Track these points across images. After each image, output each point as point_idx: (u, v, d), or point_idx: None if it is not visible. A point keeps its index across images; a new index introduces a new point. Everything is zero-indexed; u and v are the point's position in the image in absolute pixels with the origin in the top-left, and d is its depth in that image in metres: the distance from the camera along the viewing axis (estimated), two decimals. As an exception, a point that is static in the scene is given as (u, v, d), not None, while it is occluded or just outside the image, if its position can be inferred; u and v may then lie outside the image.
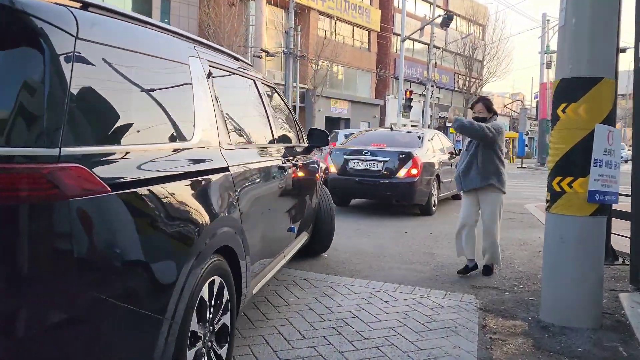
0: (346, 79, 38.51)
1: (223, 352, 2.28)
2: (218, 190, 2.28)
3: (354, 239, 6.16)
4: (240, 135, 2.91)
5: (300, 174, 3.92)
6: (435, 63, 33.09)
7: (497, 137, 4.41)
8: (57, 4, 1.59)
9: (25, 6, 1.44)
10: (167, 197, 1.83)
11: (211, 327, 2.19)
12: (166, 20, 35.61)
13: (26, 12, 1.44)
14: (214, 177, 2.27)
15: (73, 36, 1.55)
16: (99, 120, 1.63)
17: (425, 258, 5.26)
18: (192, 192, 2.04)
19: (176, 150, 2.04)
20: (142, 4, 33.11)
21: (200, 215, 2.04)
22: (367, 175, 8.02)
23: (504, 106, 52.65)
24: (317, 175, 4.62)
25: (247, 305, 2.87)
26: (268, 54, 28.21)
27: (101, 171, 1.53)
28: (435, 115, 32.16)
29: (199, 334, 2.04)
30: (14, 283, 1.34)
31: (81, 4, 1.75)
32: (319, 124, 35.76)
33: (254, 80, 3.38)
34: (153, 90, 1.97)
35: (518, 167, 30.37)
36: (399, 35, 27.86)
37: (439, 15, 26.90)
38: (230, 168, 2.44)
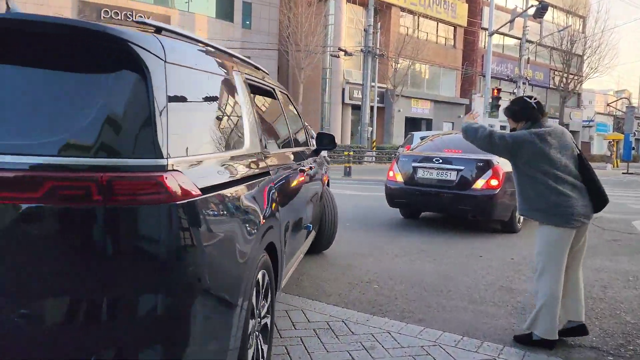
0: (429, 78, 36.86)
1: (265, 347, 2.49)
2: (265, 192, 2.51)
3: (415, 263, 5.24)
4: (271, 142, 3.12)
5: (311, 175, 4.11)
6: (528, 59, 30.63)
7: (506, 149, 3.15)
8: (142, 30, 1.85)
9: (129, 37, 1.66)
10: (236, 199, 2.10)
11: (259, 319, 2.38)
12: (247, 22, 36.21)
13: (129, 41, 1.65)
14: (262, 180, 2.51)
15: (163, 60, 1.75)
16: (187, 133, 1.86)
17: (501, 295, 4.24)
18: (251, 194, 2.29)
19: (235, 157, 2.27)
20: (224, 7, 33.82)
21: (257, 214, 2.29)
22: (438, 186, 7.03)
23: (608, 104, 47.98)
24: (324, 176, 4.88)
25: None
26: (346, 53, 27.55)
27: (194, 177, 1.74)
28: (526, 115, 29.73)
29: (251, 325, 2.21)
30: (137, 271, 1.57)
31: (154, 29, 1.96)
32: (399, 125, 34.51)
33: (273, 89, 3.56)
34: (216, 103, 2.26)
35: (623, 173, 27.22)
36: (487, 29, 25.98)
37: (532, 6, 24.73)
38: (270, 172, 2.68)
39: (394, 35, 32.02)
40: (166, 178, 1.60)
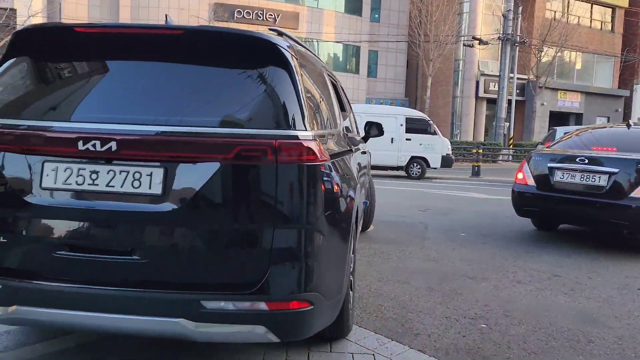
0: (579, 67, 32.70)
1: (352, 293, 3.07)
2: (351, 163, 3.16)
3: (544, 294, 4.00)
4: (346, 126, 3.76)
5: (366, 159, 4.79)
6: None
7: None
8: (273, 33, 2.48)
9: (276, 41, 2.28)
10: (344, 165, 2.76)
11: (351, 268, 3.01)
12: (376, 15, 35.39)
13: (277, 44, 2.27)
14: (350, 154, 3.17)
15: (296, 58, 2.35)
16: (313, 113, 2.40)
17: (672, 358, 2.90)
18: (348, 163, 2.96)
19: (335, 135, 2.87)
20: (353, 1, 33.38)
21: (354, 179, 3.02)
22: (582, 193, 5.53)
23: None
24: (369, 160, 5.47)
25: None
26: (481, 41, 25.36)
27: (325, 146, 2.37)
28: None
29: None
30: (296, 209, 2.11)
31: (277, 33, 2.54)
32: (541, 120, 31.10)
33: (336, 82, 4.00)
34: (321, 92, 2.87)
35: None
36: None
37: None
38: (352, 149, 3.37)
39: (537, 21, 28.87)
40: (313, 145, 2.15)
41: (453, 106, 32.74)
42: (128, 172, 2.06)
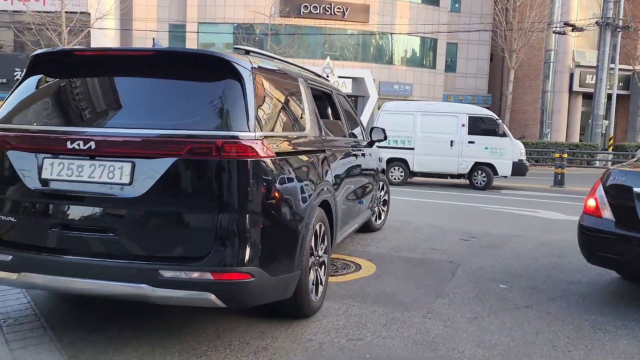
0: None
1: (324, 268, 3.57)
2: (320, 163, 3.55)
3: None
4: (328, 130, 4.13)
5: (365, 162, 5.14)
6: None
7: None
8: (239, 52, 3.08)
9: (231, 59, 2.80)
10: (299, 162, 3.17)
11: (318, 258, 3.40)
12: (456, 5, 32.60)
13: (231, 61, 2.79)
14: (318, 155, 3.55)
15: (251, 71, 2.84)
16: (267, 117, 2.89)
17: None
18: (309, 162, 3.34)
19: (299, 137, 3.35)
20: (430, -9, 30.94)
21: (316, 176, 3.38)
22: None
23: None
24: (377, 165, 5.85)
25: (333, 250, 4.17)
26: (574, 28, 22.04)
27: (271, 145, 2.78)
28: None
29: (311, 259, 3.25)
30: (235, 199, 2.58)
31: (245, 52, 3.15)
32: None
33: (332, 92, 4.76)
34: (286, 99, 3.37)
35: None
36: None
37: None
38: (325, 151, 3.73)
39: (646, 2, 24.77)
40: (254, 144, 2.62)
41: (543, 102, 29.29)
42: (105, 165, 2.61)
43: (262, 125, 2.76)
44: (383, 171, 6.30)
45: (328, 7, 28.62)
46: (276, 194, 2.75)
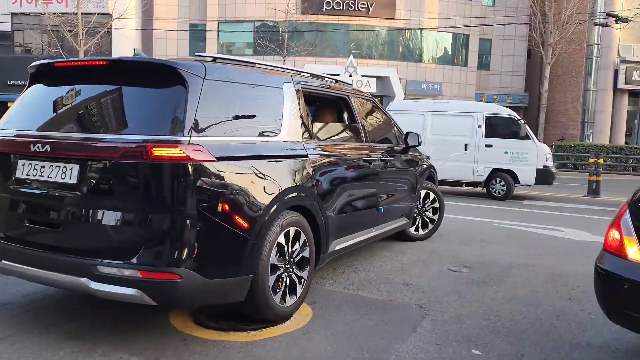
0: None
1: (304, 274, 3.51)
2: (295, 168, 3.46)
3: None
4: (327, 135, 4.29)
5: (394, 167, 5.08)
6: None
7: None
8: (197, 60, 3.11)
9: (177, 65, 2.87)
10: (256, 166, 3.11)
11: (291, 260, 3.39)
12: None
13: (177, 68, 2.84)
14: (293, 160, 3.47)
15: (202, 78, 2.90)
16: (214, 122, 2.93)
17: None
18: (275, 166, 3.30)
19: (265, 142, 3.34)
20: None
21: (277, 182, 3.23)
22: None
23: None
24: (415, 172, 5.61)
25: (333, 258, 4.16)
26: (618, 19, 20.06)
27: (213, 150, 2.80)
28: None
29: (278, 265, 3.24)
30: (163, 200, 2.68)
31: (212, 58, 3.31)
32: None
33: (347, 96, 4.61)
34: (254, 103, 3.37)
35: None
36: None
37: None
38: (309, 156, 3.63)
39: (702, -11, 22.41)
40: (186, 148, 2.66)
41: (584, 101, 27.29)
42: (60, 166, 2.86)
43: (204, 130, 2.83)
44: (431, 178, 6.14)
45: (352, 2, 27.43)
46: (213, 198, 2.79)
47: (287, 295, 3.35)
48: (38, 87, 3.31)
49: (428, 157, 6.47)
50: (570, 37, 23.49)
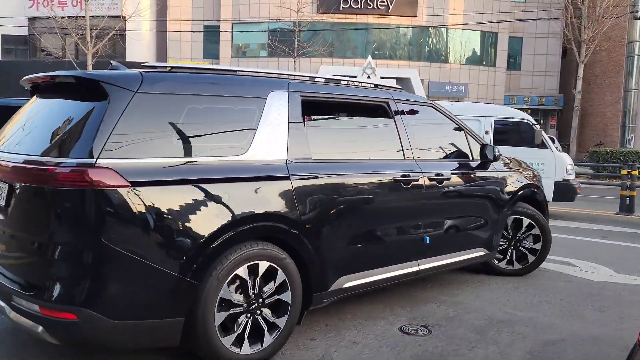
0: None
1: (280, 321, 2.98)
2: (266, 192, 2.94)
3: None
4: (337, 151, 3.54)
5: (451, 187, 4.17)
6: None
7: None
8: (144, 69, 2.85)
9: (100, 77, 2.62)
10: (195, 191, 2.67)
11: (259, 300, 2.89)
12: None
13: (100, 80, 2.60)
14: (265, 183, 2.95)
15: (132, 91, 2.60)
16: (142, 141, 2.59)
17: None
18: (224, 191, 2.76)
19: (216, 162, 2.82)
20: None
21: (230, 209, 2.76)
22: None
23: None
24: (496, 191, 4.66)
25: (341, 297, 3.45)
26: (662, 11, 18.05)
27: (128, 173, 2.46)
28: None
29: (235, 302, 2.79)
30: (64, 228, 2.46)
31: (170, 68, 2.96)
32: None
33: (386, 103, 3.87)
34: (204, 119, 2.86)
35: None
36: None
37: None
38: (292, 177, 3.05)
39: None
40: (90, 172, 2.37)
41: (625, 103, 25.18)
42: (1, 187, 2.75)
43: (124, 151, 2.49)
44: (532, 199, 5.12)
45: (370, 0, 26.15)
46: (123, 229, 2.46)
47: (247, 340, 2.85)
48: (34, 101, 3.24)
49: (534, 173, 5.33)
50: (608, 33, 21.49)
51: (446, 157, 4.44)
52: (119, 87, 2.58)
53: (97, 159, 2.39)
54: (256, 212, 2.87)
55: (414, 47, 28.00)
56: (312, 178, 3.18)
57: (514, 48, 29.05)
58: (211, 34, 28.36)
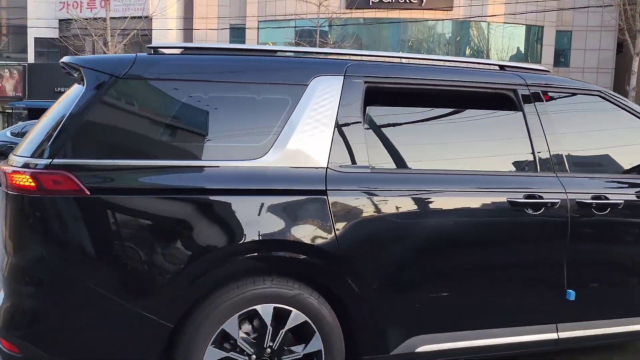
0: None
1: None
2: (285, 210, 2.28)
3: None
4: (412, 158, 2.68)
5: (619, 219, 2.91)
6: None
7: None
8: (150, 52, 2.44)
9: (79, 61, 2.29)
10: (187, 205, 2.15)
11: (268, 349, 2.25)
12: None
13: (81, 65, 2.24)
14: (283, 197, 2.29)
15: (114, 76, 2.17)
16: (122, 139, 2.17)
17: None
18: (222, 206, 2.21)
19: (216, 166, 2.25)
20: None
21: (231, 229, 2.20)
22: None
23: None
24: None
25: None
26: None
27: (87, 179, 2.02)
28: None
29: (229, 344, 2.21)
30: (20, 240, 2.08)
31: (184, 48, 2.53)
32: None
33: (513, 91, 2.80)
34: (214, 111, 2.35)
35: None
36: None
37: None
38: (329, 191, 2.34)
39: None
40: (39, 176, 1.99)
41: (689, 103, 22.44)
42: None
43: (91, 151, 2.10)
44: None
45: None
46: (76, 248, 2.05)
47: None
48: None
49: None
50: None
51: (618, 171, 3.19)
52: (97, 72, 2.21)
53: (51, 160, 2.03)
54: (277, 236, 2.25)
55: (452, 46, 26.50)
56: (365, 194, 2.43)
57: (562, 43, 27.00)
58: (237, 32, 27.99)
